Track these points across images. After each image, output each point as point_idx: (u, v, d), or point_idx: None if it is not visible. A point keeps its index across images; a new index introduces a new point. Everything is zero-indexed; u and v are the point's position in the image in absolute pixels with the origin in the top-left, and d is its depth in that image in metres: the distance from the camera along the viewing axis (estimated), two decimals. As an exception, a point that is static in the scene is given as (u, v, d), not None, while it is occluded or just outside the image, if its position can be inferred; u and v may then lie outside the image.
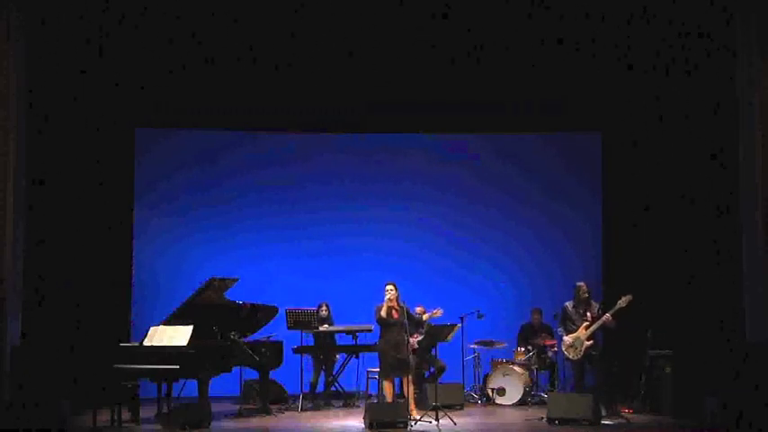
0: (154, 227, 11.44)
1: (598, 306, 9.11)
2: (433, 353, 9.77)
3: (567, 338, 9.09)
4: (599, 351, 9.11)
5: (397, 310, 8.84)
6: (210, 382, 8.54)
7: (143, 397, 8.73)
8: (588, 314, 9.05)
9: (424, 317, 9.68)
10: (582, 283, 9.25)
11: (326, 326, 10.20)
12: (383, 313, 8.81)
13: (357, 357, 10.25)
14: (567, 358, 9.17)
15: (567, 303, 9.24)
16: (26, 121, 9.01)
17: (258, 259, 11.43)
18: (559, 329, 9.28)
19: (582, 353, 8.98)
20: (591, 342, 8.96)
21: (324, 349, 10.26)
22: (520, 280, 11.77)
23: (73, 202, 10.25)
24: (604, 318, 8.88)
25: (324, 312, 10.37)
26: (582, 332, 8.99)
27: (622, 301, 8.79)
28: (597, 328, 8.96)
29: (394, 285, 8.91)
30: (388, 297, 8.81)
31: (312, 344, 10.24)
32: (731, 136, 9.16)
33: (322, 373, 10.38)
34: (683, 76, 10.23)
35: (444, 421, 8.46)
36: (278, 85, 11.01)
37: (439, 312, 9.53)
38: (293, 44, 10.53)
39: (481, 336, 10.55)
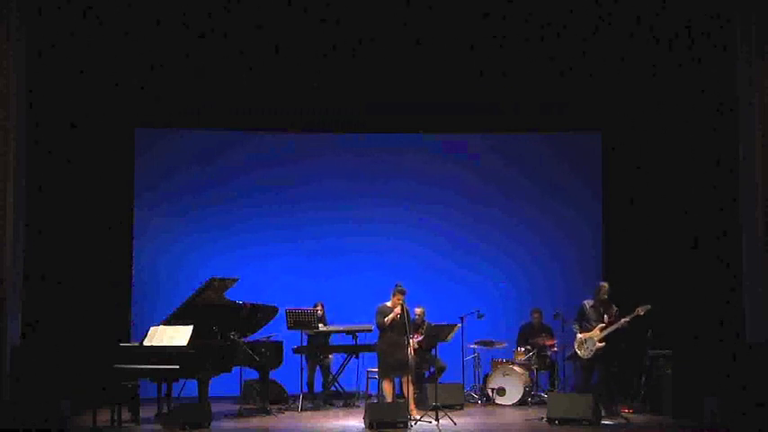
0: (154, 227, 11.44)
1: (617, 309, 9.03)
2: (432, 353, 9.78)
3: (580, 336, 9.05)
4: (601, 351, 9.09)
5: (398, 314, 8.81)
6: (210, 382, 8.53)
7: (143, 397, 8.73)
8: (606, 316, 9.00)
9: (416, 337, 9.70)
10: (605, 283, 9.19)
11: (321, 325, 10.18)
12: (386, 321, 8.77)
13: (357, 357, 10.24)
14: (576, 356, 9.14)
15: (585, 302, 9.17)
16: (26, 121, 9.00)
17: (258, 259, 11.42)
18: (574, 326, 9.18)
19: (592, 353, 8.95)
20: (603, 344, 8.91)
21: (320, 349, 10.25)
22: (520, 280, 11.75)
23: (73, 202, 10.25)
24: (620, 323, 8.84)
25: (319, 312, 10.36)
26: (596, 332, 8.96)
27: (641, 310, 8.74)
28: (611, 332, 8.91)
29: (404, 295, 8.81)
30: (396, 310, 8.74)
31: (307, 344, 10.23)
32: (731, 136, 9.16)
33: (318, 371, 10.40)
34: (683, 75, 10.23)
35: (444, 421, 8.46)
36: (278, 85, 11.01)
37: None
38: (293, 44, 10.53)
39: (481, 336, 10.54)
